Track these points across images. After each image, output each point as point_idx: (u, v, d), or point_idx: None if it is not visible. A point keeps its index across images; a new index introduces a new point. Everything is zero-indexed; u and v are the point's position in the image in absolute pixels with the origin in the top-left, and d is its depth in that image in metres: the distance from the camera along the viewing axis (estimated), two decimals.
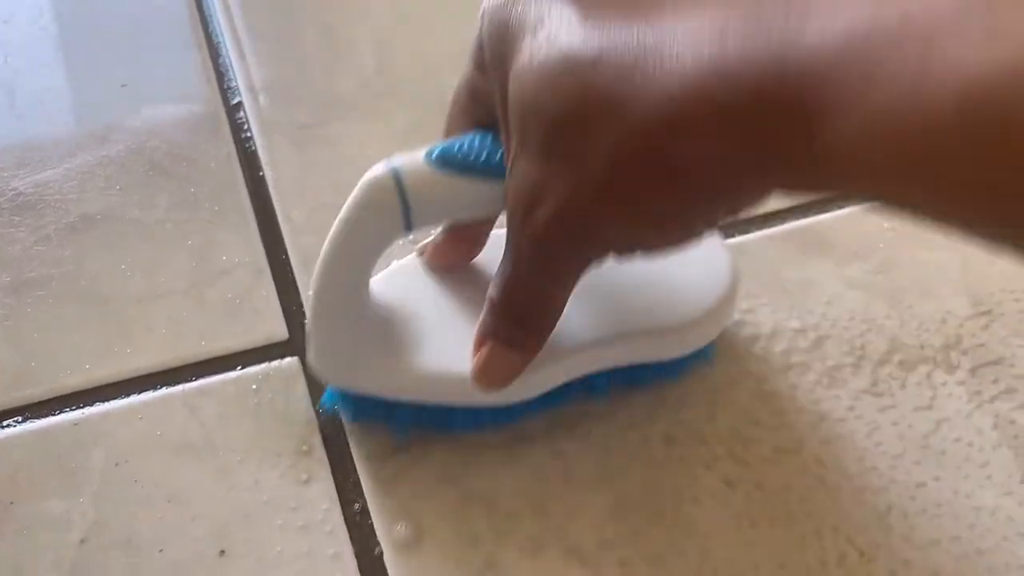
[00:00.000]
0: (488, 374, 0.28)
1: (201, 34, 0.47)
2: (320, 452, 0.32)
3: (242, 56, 0.46)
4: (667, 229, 0.24)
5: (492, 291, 0.27)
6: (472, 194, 0.27)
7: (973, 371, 0.34)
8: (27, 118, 0.43)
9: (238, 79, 0.45)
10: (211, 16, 0.48)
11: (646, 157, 0.21)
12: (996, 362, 0.35)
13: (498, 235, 0.30)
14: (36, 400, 0.33)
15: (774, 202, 0.39)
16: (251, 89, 0.44)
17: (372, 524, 0.30)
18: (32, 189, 0.39)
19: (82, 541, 0.30)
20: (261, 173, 0.41)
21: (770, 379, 0.34)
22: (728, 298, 0.32)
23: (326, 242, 0.28)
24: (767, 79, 0.19)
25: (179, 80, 0.44)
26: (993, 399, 0.34)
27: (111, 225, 0.39)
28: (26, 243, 0.38)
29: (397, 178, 0.26)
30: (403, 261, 0.33)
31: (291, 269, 0.37)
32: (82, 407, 0.33)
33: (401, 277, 0.32)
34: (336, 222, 0.28)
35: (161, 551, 0.30)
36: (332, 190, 0.40)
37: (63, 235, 0.38)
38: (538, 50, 0.23)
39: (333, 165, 0.41)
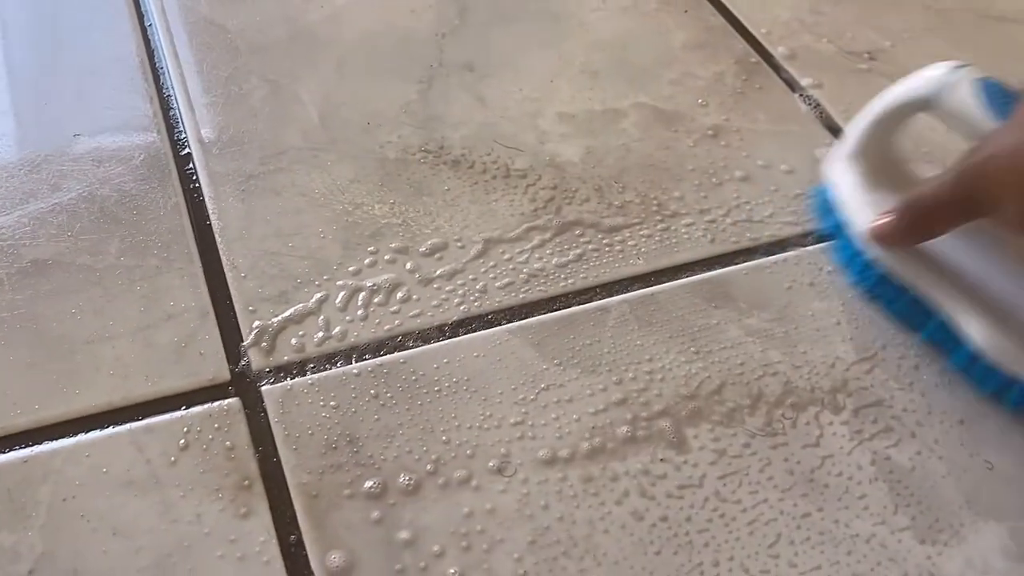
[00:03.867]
0: (878, 231, 0.40)
1: (152, 86, 0.49)
2: (259, 487, 0.34)
3: (191, 108, 0.48)
4: None
5: (921, 187, 0.38)
6: (975, 117, 0.37)
7: (856, 412, 0.38)
8: None
9: (187, 130, 0.47)
10: (162, 68, 0.50)
11: None
12: (876, 404, 0.39)
13: None
14: None
15: (683, 254, 0.43)
16: (200, 140, 0.47)
17: (307, 555, 0.33)
18: None
19: (30, 572, 0.32)
20: (208, 222, 0.43)
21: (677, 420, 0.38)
22: None
23: (891, 90, 0.41)
24: None
25: (130, 130, 0.47)
26: (872, 437, 0.38)
27: (62, 270, 0.40)
28: None
29: (948, 79, 0.38)
30: None
31: (235, 314, 0.40)
32: (32, 445, 0.35)
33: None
34: (896, 85, 0.40)
35: None
36: (276, 239, 0.43)
37: (15, 280, 0.40)
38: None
39: (277, 215, 0.44)
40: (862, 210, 0.41)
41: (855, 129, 0.43)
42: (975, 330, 0.38)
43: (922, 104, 0.39)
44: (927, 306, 0.40)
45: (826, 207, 0.44)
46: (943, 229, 0.38)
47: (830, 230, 0.44)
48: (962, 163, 0.35)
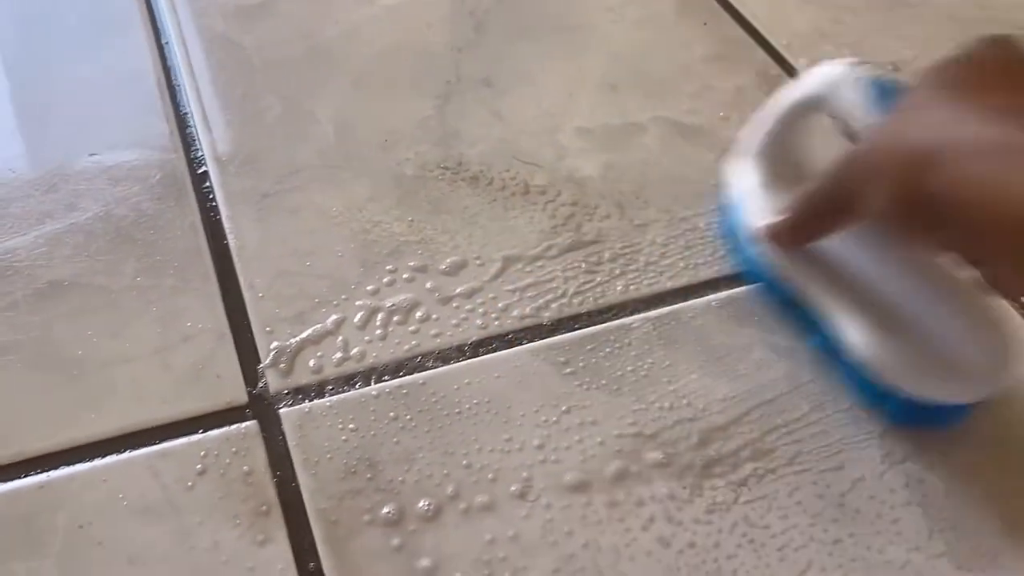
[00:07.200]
0: (771, 230, 0.39)
1: (169, 104, 0.49)
2: (278, 514, 0.34)
3: (208, 126, 0.48)
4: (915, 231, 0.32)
5: (808, 186, 0.36)
6: (859, 115, 0.35)
7: (887, 432, 0.37)
8: None
9: (204, 149, 0.47)
10: (179, 86, 0.50)
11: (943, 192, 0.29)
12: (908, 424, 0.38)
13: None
14: (2, 463, 0.35)
15: (707, 271, 0.42)
16: (216, 159, 0.46)
17: None
18: (1, 256, 0.41)
19: None
20: (225, 241, 0.43)
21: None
22: (991, 372, 0.35)
23: (788, 89, 0.40)
24: None
25: (147, 149, 0.46)
26: (904, 459, 0.36)
27: (78, 291, 0.40)
28: None
29: (838, 77, 0.36)
30: None
31: (252, 336, 0.39)
32: (47, 471, 0.34)
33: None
34: (793, 84, 0.39)
35: None
36: (293, 258, 0.42)
37: (31, 301, 0.39)
38: (912, 111, 0.32)
39: (294, 234, 0.43)
40: (758, 211, 0.40)
41: (752, 128, 0.41)
42: (856, 338, 0.37)
43: (816, 102, 0.38)
44: (816, 312, 0.39)
45: (725, 209, 0.43)
46: (828, 227, 0.36)
47: (726, 232, 0.43)
48: (839, 159, 0.34)
